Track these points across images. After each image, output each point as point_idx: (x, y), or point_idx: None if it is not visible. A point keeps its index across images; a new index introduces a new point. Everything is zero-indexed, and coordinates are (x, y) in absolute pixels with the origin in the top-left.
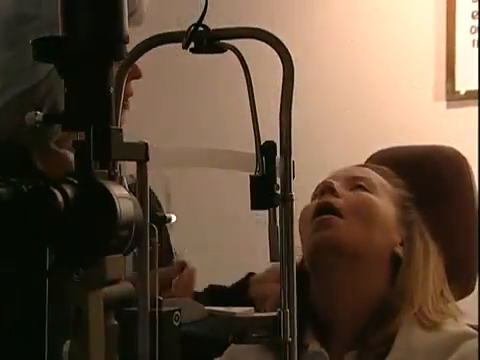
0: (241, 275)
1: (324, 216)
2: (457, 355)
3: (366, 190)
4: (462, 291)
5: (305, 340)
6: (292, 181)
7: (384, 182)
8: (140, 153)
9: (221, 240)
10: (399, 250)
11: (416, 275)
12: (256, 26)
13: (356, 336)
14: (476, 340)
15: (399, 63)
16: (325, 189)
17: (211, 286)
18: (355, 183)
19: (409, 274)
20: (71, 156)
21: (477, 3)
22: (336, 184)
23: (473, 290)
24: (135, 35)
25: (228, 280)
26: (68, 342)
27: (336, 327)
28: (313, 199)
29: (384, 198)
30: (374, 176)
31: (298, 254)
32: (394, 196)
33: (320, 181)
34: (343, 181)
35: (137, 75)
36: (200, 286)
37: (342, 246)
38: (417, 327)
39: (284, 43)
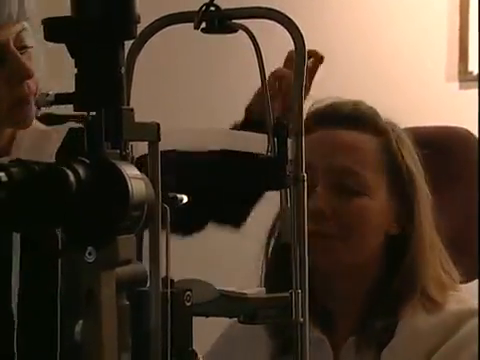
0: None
1: (319, 240)
2: (462, 334)
3: (355, 191)
4: (468, 275)
5: None
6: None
7: (372, 156)
8: (152, 133)
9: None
10: (394, 229)
11: (416, 255)
12: (268, 6)
13: (357, 322)
14: None
15: (411, 43)
16: (314, 216)
17: None
18: (341, 181)
19: (408, 255)
20: None
21: None
22: (321, 199)
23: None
24: (146, 15)
25: (235, 250)
26: (80, 322)
27: (336, 313)
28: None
29: (376, 186)
30: (362, 160)
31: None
32: (387, 164)
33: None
34: (326, 179)
35: (29, 76)
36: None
37: (341, 266)
38: (420, 310)
39: (296, 24)
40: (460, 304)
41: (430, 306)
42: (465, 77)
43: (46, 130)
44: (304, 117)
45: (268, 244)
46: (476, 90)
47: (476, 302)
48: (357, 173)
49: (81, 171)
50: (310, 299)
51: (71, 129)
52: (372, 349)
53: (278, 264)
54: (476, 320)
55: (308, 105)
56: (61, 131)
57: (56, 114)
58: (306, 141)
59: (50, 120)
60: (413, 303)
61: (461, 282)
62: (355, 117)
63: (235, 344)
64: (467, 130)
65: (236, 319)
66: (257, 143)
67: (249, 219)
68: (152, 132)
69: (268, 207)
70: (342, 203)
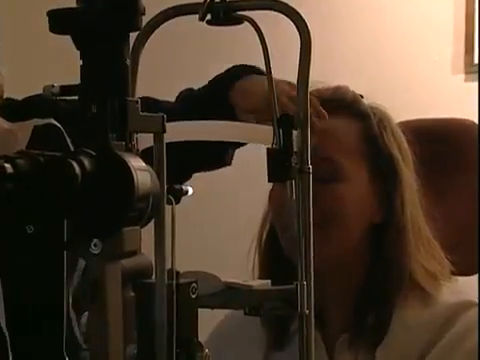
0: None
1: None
2: (458, 327)
3: (328, 179)
4: (466, 266)
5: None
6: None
7: (351, 142)
8: (157, 125)
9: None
10: (378, 218)
11: (400, 243)
12: None
13: (349, 318)
14: (475, 309)
15: (417, 36)
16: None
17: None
18: (315, 170)
19: (392, 243)
20: None
21: None
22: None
23: (475, 273)
24: (152, 7)
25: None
26: (86, 314)
27: (327, 309)
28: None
29: (354, 172)
30: (338, 146)
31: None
32: (367, 150)
33: None
34: None
35: None
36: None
37: (323, 258)
38: (412, 303)
39: (302, 15)
40: (455, 296)
41: (422, 298)
42: (471, 69)
43: (11, 129)
44: None
45: (260, 238)
46: None
47: (475, 295)
48: (333, 160)
49: (86, 163)
50: None
51: (36, 127)
52: (366, 346)
53: (271, 257)
54: (473, 312)
55: None
56: (26, 129)
57: (16, 100)
58: None
59: (9, 108)
60: (404, 294)
61: (461, 274)
62: (335, 102)
63: (226, 341)
64: (473, 122)
65: (226, 316)
66: (264, 135)
67: (251, 214)
68: (157, 124)
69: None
70: (317, 190)
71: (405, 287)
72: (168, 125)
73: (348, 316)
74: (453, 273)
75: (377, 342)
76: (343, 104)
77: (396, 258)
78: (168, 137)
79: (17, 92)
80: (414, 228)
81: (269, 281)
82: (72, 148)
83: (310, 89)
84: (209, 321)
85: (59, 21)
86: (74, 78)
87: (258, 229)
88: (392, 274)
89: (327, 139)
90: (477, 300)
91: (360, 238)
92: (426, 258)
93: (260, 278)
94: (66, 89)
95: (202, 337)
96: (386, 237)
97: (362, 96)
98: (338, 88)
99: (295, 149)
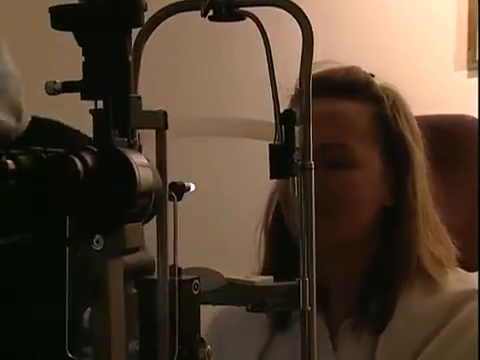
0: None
1: None
2: (462, 316)
3: (341, 165)
4: (467, 261)
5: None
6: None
7: (364, 126)
8: (159, 121)
9: (238, 209)
10: (388, 202)
11: (409, 227)
12: None
13: (353, 303)
14: None
15: (420, 32)
16: None
17: None
18: (325, 155)
19: (401, 226)
20: None
21: None
22: None
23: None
24: (153, 3)
25: (241, 243)
26: (88, 310)
27: (332, 294)
28: None
29: (366, 157)
30: (351, 131)
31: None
32: (380, 134)
33: None
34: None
35: None
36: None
37: (331, 243)
38: (418, 291)
39: (304, 11)
40: (460, 284)
41: (428, 285)
42: (474, 66)
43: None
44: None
45: (267, 216)
46: None
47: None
48: (345, 145)
49: (88, 159)
50: None
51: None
52: (369, 332)
53: (276, 236)
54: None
55: None
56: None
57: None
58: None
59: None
60: (410, 281)
61: (464, 268)
62: (347, 85)
63: (224, 335)
64: (475, 118)
65: (219, 311)
66: (266, 131)
67: (254, 207)
68: (159, 120)
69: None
70: (329, 177)
71: (412, 273)
72: (179, 121)
73: (353, 301)
74: (458, 260)
75: (380, 328)
76: (356, 87)
77: (405, 242)
78: (179, 133)
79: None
80: (423, 212)
81: (271, 277)
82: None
83: (324, 68)
84: (210, 316)
85: (61, 17)
86: (76, 75)
87: (265, 207)
88: (400, 259)
89: (340, 124)
90: (477, 298)
91: (369, 222)
92: (433, 243)
93: (266, 257)
94: (68, 85)
95: (204, 329)
96: (396, 221)
97: (373, 75)
98: (351, 69)
99: (297, 145)
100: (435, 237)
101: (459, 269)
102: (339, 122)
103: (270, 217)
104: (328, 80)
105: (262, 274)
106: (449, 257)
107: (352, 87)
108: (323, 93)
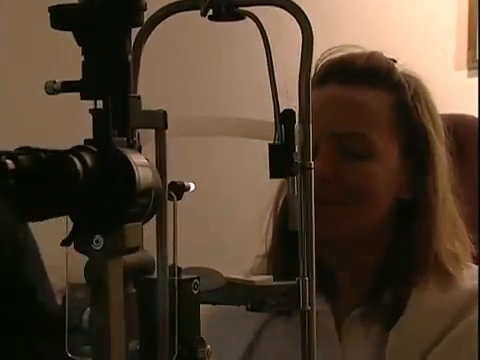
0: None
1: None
2: (475, 316)
3: (360, 154)
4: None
5: None
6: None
7: (384, 116)
8: (159, 121)
9: (238, 208)
10: (406, 194)
11: (429, 221)
12: None
13: (365, 293)
14: None
15: (420, 31)
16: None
17: None
18: (345, 143)
19: (421, 221)
20: None
21: None
22: (323, 162)
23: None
24: (153, 2)
25: (241, 242)
26: (88, 310)
27: (343, 283)
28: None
29: (385, 148)
30: (370, 121)
31: None
32: (400, 124)
33: None
34: (330, 140)
35: None
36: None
37: (345, 233)
38: (433, 286)
39: (304, 11)
40: (475, 280)
41: (444, 280)
42: (474, 65)
43: None
44: (317, 69)
45: (276, 203)
46: None
47: None
48: (363, 135)
49: (88, 159)
50: (317, 265)
51: None
52: (379, 324)
53: (284, 224)
54: None
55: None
56: None
57: None
58: (314, 96)
59: None
60: (426, 276)
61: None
62: (368, 72)
63: (218, 328)
64: (475, 118)
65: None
66: (264, 130)
67: (254, 206)
68: (159, 120)
69: (273, 195)
70: (345, 167)
71: (430, 268)
72: (178, 121)
73: (365, 290)
74: (473, 256)
75: (392, 321)
76: (377, 75)
77: (424, 237)
78: (179, 132)
79: (18, 91)
80: (444, 209)
81: (271, 277)
82: None
83: (344, 53)
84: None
85: (61, 17)
86: (76, 75)
87: (275, 195)
88: (418, 253)
89: (359, 113)
90: (477, 295)
91: (384, 214)
92: (452, 239)
93: (272, 242)
94: (68, 85)
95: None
96: (415, 215)
97: (395, 61)
98: (372, 54)
99: (297, 145)
100: (454, 233)
101: (473, 265)
102: (356, 111)
103: (280, 203)
104: (348, 66)
105: (267, 257)
106: (465, 253)
107: (373, 74)
108: (342, 78)
